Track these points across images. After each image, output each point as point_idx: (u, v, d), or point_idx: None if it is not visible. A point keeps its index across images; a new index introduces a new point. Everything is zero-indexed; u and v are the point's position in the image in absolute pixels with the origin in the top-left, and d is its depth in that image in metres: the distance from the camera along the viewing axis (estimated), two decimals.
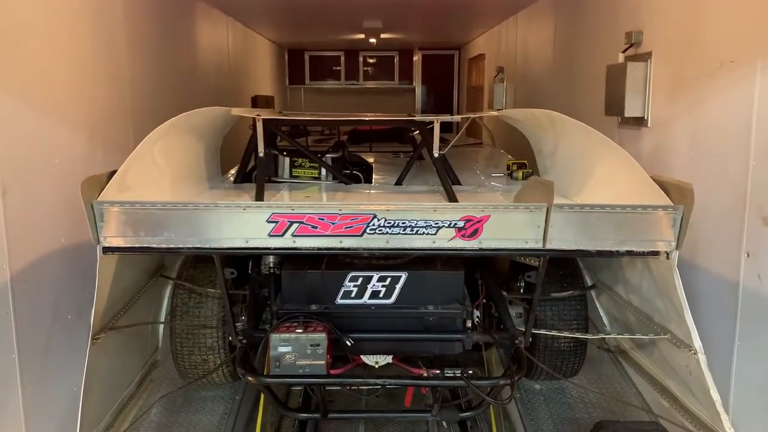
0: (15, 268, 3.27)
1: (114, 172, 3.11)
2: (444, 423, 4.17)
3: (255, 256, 3.90)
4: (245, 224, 3.01)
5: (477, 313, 3.77)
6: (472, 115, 5.62)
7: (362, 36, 12.87)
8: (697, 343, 3.15)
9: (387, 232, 3.02)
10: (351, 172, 4.79)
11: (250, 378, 3.35)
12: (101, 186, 3.03)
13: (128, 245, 3.04)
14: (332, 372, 3.45)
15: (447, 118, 4.68)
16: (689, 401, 3.47)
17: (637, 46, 4.68)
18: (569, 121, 3.68)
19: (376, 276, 3.58)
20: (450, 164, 4.56)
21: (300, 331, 3.32)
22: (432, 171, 4.32)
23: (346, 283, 3.58)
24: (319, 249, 3.06)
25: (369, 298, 3.60)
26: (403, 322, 3.64)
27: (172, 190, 3.52)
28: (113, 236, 3.01)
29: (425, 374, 3.67)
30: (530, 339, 3.77)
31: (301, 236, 3.02)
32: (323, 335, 3.30)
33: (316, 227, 3.01)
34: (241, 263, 3.95)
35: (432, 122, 4.20)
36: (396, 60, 16.35)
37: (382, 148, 6.84)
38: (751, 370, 3.39)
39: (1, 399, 3.18)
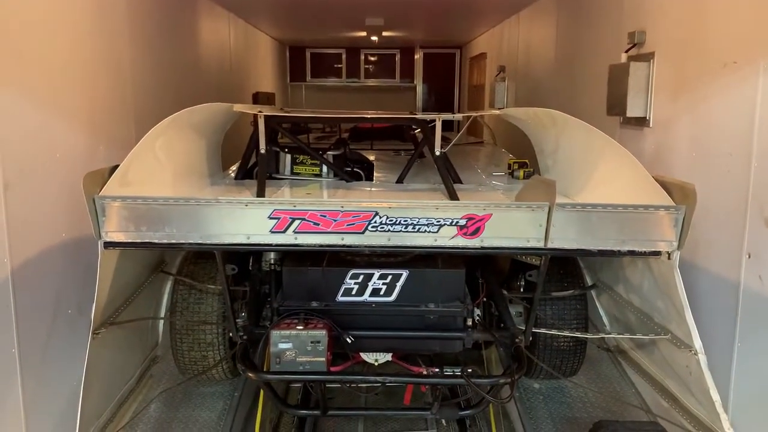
0: (16, 263, 3.26)
1: (116, 167, 3.11)
2: (443, 421, 4.19)
3: (256, 252, 3.90)
4: (247, 220, 3.01)
5: (477, 311, 3.77)
6: (474, 114, 5.60)
7: (364, 33, 12.87)
8: (698, 344, 3.16)
9: (389, 230, 3.01)
10: (352, 170, 4.78)
11: (250, 374, 3.35)
12: (103, 181, 3.03)
13: (129, 240, 3.03)
14: (332, 369, 3.45)
15: (449, 116, 4.67)
16: (689, 401, 3.47)
17: (640, 46, 4.67)
18: (571, 120, 3.67)
19: (377, 273, 3.58)
20: (451, 163, 4.56)
21: (300, 327, 3.33)
22: (433, 169, 4.31)
23: (347, 280, 3.58)
24: (321, 246, 3.06)
25: (370, 296, 3.60)
26: (404, 319, 3.64)
27: (174, 185, 3.51)
28: (115, 231, 3.00)
29: (425, 372, 3.68)
30: (530, 338, 3.77)
31: (303, 233, 3.01)
32: (324, 332, 3.31)
33: (318, 224, 3.00)
34: (242, 259, 3.95)
35: (433, 120, 4.20)
36: (397, 58, 16.34)
37: (384, 146, 6.84)
38: (751, 371, 3.39)
39: (1, 393, 3.18)
